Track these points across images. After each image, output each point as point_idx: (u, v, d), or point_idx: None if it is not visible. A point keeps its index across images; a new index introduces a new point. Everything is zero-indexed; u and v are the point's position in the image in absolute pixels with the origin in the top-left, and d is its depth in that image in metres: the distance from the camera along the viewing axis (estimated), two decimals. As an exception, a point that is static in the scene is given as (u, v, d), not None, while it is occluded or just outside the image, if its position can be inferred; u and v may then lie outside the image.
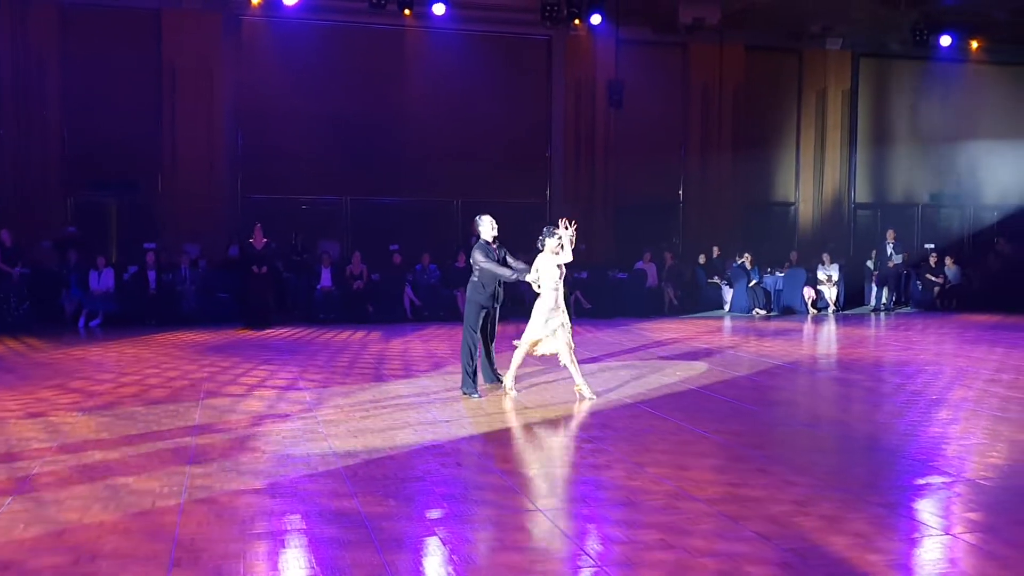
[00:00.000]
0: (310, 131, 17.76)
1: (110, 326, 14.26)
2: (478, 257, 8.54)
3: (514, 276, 8.51)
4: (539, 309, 8.40)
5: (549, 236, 8.47)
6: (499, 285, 8.71)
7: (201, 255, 16.41)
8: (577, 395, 8.34)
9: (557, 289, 8.40)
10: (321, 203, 18.42)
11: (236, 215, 17.43)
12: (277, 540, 4.54)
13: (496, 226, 8.74)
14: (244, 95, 17.60)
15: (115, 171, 16.79)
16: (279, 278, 15.92)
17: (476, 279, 8.62)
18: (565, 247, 8.40)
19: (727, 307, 17.63)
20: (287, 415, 7.59)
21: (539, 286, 8.41)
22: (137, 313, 14.77)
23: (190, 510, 4.97)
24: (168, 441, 6.58)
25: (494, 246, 8.69)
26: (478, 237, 8.73)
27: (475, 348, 8.62)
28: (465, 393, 8.42)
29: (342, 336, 13.54)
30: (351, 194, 18.33)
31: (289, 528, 4.72)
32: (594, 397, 8.29)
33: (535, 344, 8.47)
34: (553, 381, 9.19)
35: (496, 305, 8.77)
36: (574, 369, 8.35)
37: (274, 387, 9.00)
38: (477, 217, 8.84)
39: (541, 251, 8.50)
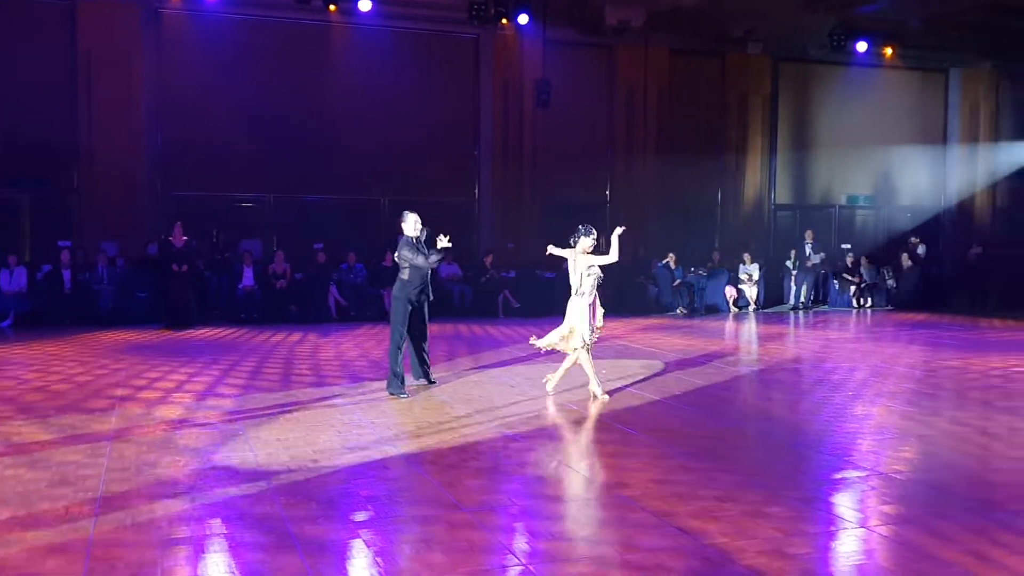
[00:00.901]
0: (233, 127, 17.42)
1: (22, 327, 13.80)
2: (405, 253, 8.49)
3: (436, 260, 8.49)
4: (578, 306, 8.38)
5: (586, 235, 8.44)
6: (427, 282, 8.67)
7: (119, 253, 15.99)
8: (590, 395, 8.36)
9: (593, 287, 8.40)
10: (244, 200, 18.09)
11: (156, 212, 17.01)
12: (196, 546, 4.44)
13: (420, 224, 8.68)
14: (165, 89, 17.19)
15: (28, 166, 16.23)
16: (200, 277, 15.60)
17: (404, 277, 8.55)
18: (613, 247, 8.37)
19: (653, 306, 17.87)
20: (207, 419, 7.43)
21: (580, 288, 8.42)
22: (51, 313, 14.32)
23: (105, 517, 4.82)
24: (82, 446, 6.39)
25: (418, 243, 8.62)
26: (403, 235, 8.67)
27: (402, 348, 8.55)
28: (392, 394, 8.36)
29: (265, 337, 13.33)
30: (275, 191, 18.06)
31: (209, 533, 4.62)
32: (606, 397, 8.30)
33: (564, 339, 8.44)
34: (480, 382, 9.18)
35: (425, 301, 8.71)
36: (589, 368, 8.39)
37: (194, 390, 8.80)
38: (403, 213, 8.77)
39: (572, 247, 8.47)
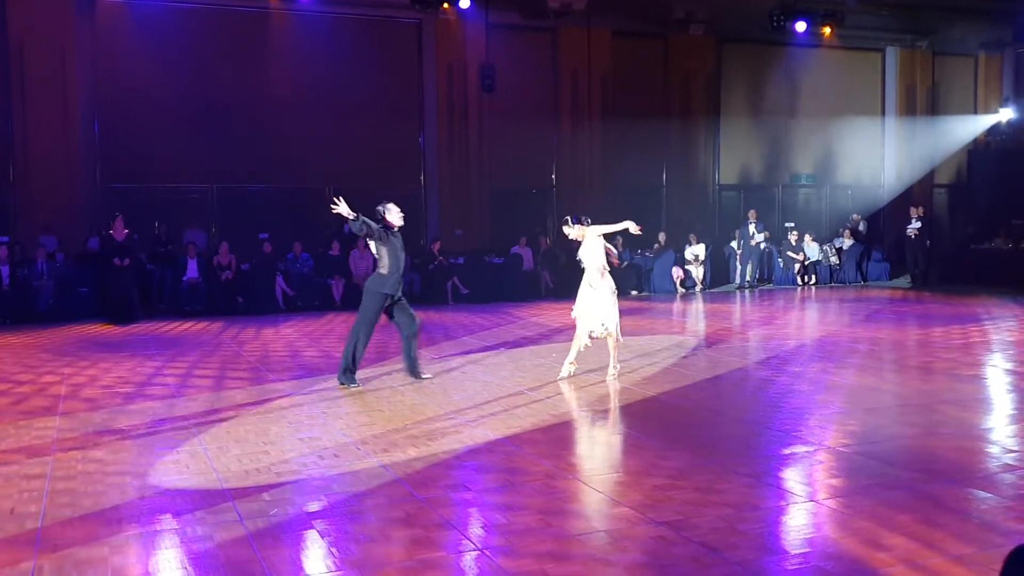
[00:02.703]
0: (174, 117, 17.08)
1: (-42, 326, 13.41)
2: (384, 246, 8.19)
3: (361, 220, 8.00)
4: (607, 291, 8.39)
5: (575, 222, 8.53)
6: (403, 273, 8.43)
7: (59, 248, 15.62)
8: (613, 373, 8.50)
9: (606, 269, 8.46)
10: (186, 191, 17.77)
11: (95, 205, 16.62)
12: (147, 541, 4.36)
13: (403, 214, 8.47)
14: (101, 79, 16.78)
15: (-40, 161, 15.78)
16: (142, 270, 15.30)
17: (384, 271, 8.24)
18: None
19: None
20: (153, 413, 7.31)
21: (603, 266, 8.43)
22: (-12, 311, 13.94)
23: (52, 514, 4.72)
24: (26, 446, 6.24)
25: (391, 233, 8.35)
26: (383, 223, 8.34)
27: (365, 342, 8.30)
28: (343, 384, 8.28)
29: (211, 329, 13.12)
30: (218, 182, 17.75)
31: (160, 528, 4.55)
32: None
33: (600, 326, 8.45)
34: (441, 371, 9.15)
35: (400, 291, 8.41)
36: (613, 352, 8.49)
37: (141, 384, 8.65)
38: (385, 204, 8.46)
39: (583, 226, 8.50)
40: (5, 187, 16.25)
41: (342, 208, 8.06)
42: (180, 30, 17.19)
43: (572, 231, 8.57)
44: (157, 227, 16.50)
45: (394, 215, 8.40)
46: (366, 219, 8.04)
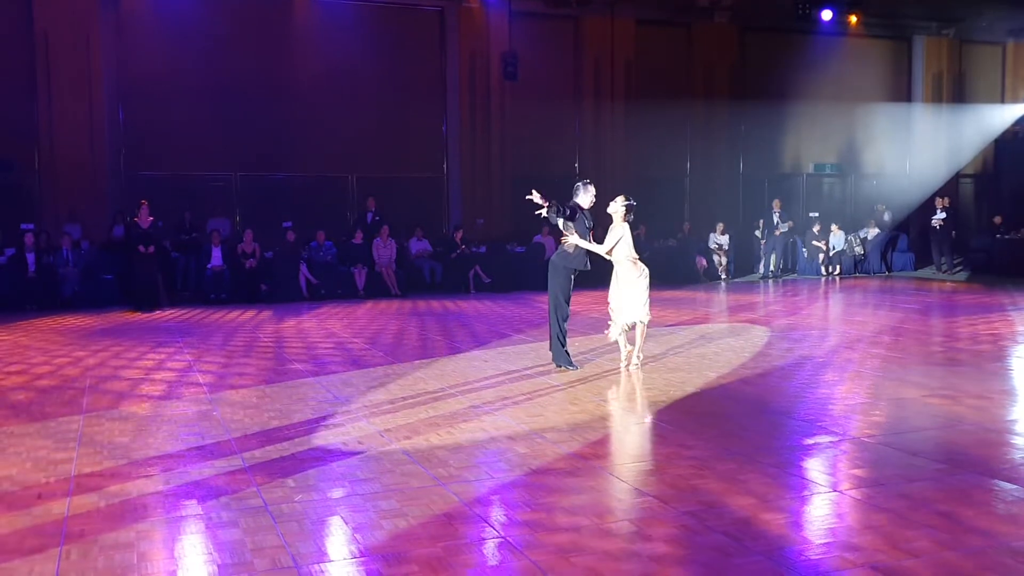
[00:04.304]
0: (197, 105, 17.19)
1: (-14, 312, 13.57)
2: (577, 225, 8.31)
3: (554, 208, 8.17)
4: (641, 278, 8.38)
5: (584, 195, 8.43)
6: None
7: (84, 235, 15.77)
8: (636, 361, 8.50)
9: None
10: (211, 179, 17.88)
11: (120, 193, 16.77)
12: (173, 527, 4.41)
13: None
14: (126, 67, 16.90)
15: (-12, 149, 15.94)
16: (167, 258, 15.43)
17: (569, 249, 8.32)
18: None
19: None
20: (180, 400, 7.38)
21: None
22: (15, 298, 14.10)
23: (78, 501, 4.78)
24: (52, 431, 6.32)
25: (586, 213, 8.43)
26: (573, 204, 8.34)
27: (565, 317, 8.41)
28: (560, 366, 8.38)
29: (235, 316, 13.22)
30: (242, 170, 17.86)
31: (185, 514, 4.59)
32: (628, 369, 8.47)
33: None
34: (463, 359, 9.16)
35: (586, 266, 8.47)
36: (640, 338, 8.50)
37: (166, 372, 8.73)
38: (583, 183, 8.49)
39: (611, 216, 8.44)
40: (31, 175, 16.41)
41: (535, 197, 8.17)
42: (204, 19, 17.27)
43: (618, 209, 8.42)
44: (185, 216, 16.61)
45: (584, 197, 8.43)
46: (558, 204, 8.19)
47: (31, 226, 15.05)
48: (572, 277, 8.44)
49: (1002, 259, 19.19)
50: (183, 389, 7.79)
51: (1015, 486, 4.95)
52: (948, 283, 17.46)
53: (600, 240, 8.44)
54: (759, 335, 10.88)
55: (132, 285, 14.21)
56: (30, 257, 14.40)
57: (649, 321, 8.54)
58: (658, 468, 5.32)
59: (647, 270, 8.49)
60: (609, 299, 8.54)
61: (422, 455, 5.60)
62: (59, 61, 16.17)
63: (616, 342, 8.59)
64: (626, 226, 8.39)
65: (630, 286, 8.36)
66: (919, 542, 4.11)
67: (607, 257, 8.41)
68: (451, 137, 19.25)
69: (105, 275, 15.03)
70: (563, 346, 8.46)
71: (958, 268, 19.64)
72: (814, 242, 19.63)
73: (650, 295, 8.44)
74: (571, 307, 8.59)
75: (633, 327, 8.51)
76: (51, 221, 15.95)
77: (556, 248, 8.66)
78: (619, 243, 8.35)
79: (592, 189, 8.48)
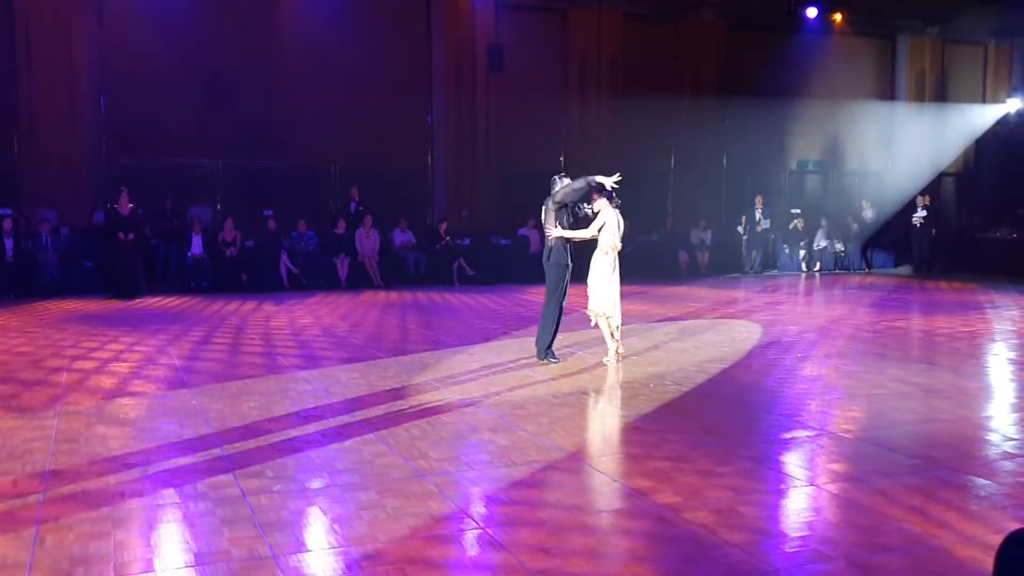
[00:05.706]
0: (180, 91, 17.04)
1: (-37, 298, 13.45)
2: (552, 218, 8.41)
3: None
4: (608, 271, 8.38)
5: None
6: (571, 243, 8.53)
7: (63, 222, 15.63)
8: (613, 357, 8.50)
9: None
10: (192, 167, 17.75)
11: (100, 179, 16.63)
12: (150, 516, 4.39)
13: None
14: (107, 52, 16.75)
15: (-36, 133, 15.77)
16: (147, 245, 15.32)
17: (564, 244, 8.41)
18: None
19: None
20: (159, 389, 7.34)
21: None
22: (-7, 284, 13.98)
23: (55, 489, 4.74)
24: (29, 419, 6.27)
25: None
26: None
27: (561, 315, 8.47)
28: (543, 360, 8.40)
29: (215, 306, 13.15)
30: (223, 157, 17.73)
31: (162, 503, 4.57)
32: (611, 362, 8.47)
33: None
34: (445, 351, 9.16)
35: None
36: (608, 337, 8.49)
37: (145, 361, 8.67)
38: (558, 177, 8.67)
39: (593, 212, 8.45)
40: (10, 160, 16.25)
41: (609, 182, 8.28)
42: (187, 6, 17.14)
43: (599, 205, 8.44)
44: (166, 204, 16.48)
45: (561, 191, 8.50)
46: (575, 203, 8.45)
47: (9, 211, 14.91)
48: (567, 274, 8.45)
49: (981, 257, 19.37)
50: (162, 379, 7.75)
51: (989, 482, 5.00)
52: (926, 281, 17.59)
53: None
54: (739, 330, 10.92)
55: (112, 272, 14.10)
56: (8, 243, 14.26)
57: (619, 324, 8.52)
58: (635, 460, 5.34)
59: (618, 266, 8.49)
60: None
61: (402, 447, 5.59)
62: (40, 46, 16.01)
63: (599, 327, 8.59)
64: (613, 213, 8.39)
65: (603, 279, 8.38)
66: (894, 536, 4.15)
67: (595, 236, 8.40)
68: (436, 128, 19.20)
69: (85, 262, 14.92)
70: (552, 339, 8.45)
71: (937, 266, 19.80)
72: (817, 244, 19.65)
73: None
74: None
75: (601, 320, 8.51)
76: (30, 207, 15.81)
77: (541, 241, 8.68)
78: (603, 229, 8.34)
79: (568, 182, 8.48)
